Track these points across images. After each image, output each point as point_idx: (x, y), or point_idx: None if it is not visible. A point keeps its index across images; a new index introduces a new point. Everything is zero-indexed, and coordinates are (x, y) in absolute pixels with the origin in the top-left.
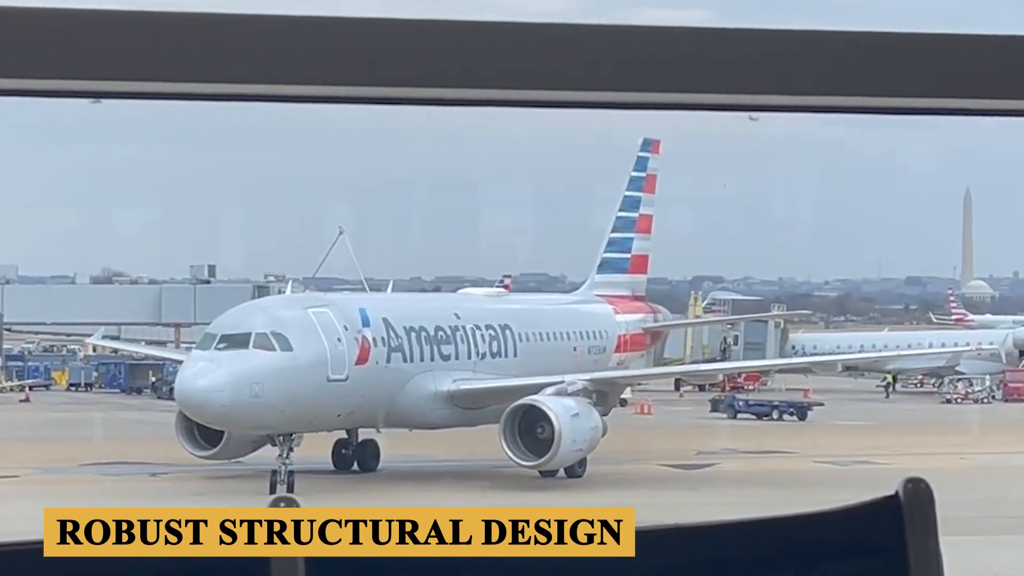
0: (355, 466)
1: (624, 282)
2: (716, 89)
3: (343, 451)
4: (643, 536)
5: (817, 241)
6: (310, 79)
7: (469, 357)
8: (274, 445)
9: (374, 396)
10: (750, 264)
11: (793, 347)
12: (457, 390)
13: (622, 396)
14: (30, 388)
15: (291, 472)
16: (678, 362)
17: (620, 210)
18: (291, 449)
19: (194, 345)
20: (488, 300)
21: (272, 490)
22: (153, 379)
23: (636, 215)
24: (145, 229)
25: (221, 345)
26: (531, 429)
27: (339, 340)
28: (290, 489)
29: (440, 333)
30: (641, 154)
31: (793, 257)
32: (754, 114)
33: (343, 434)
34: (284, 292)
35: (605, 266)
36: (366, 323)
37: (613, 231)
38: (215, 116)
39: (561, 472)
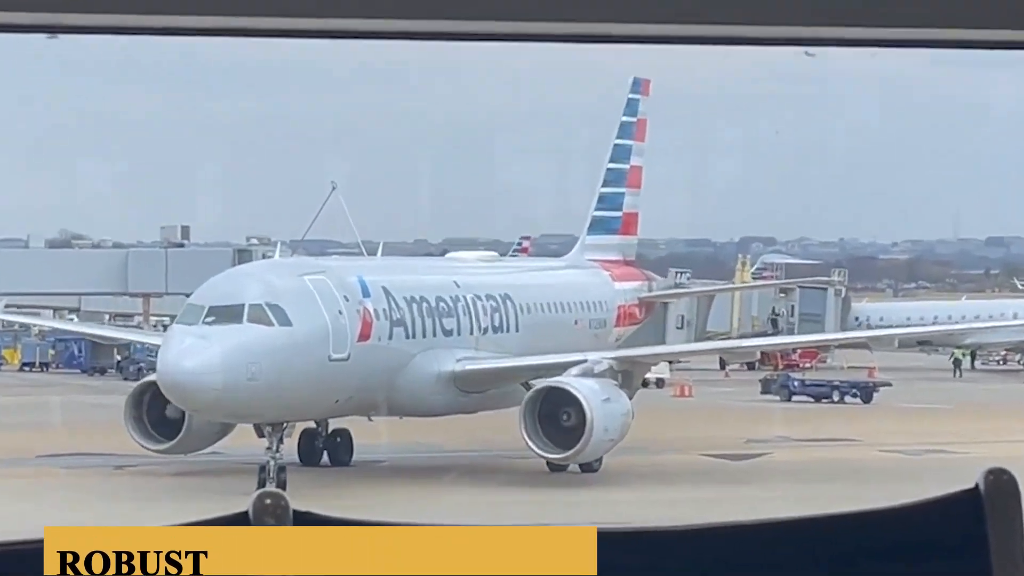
0: (325, 459)
1: (616, 244)
2: (768, 20)
3: (313, 442)
4: (693, 535)
5: (884, 197)
6: (300, 10)
7: (471, 332)
8: (261, 436)
9: (374, 378)
10: (807, 223)
11: (856, 318)
12: (462, 371)
13: (660, 376)
14: None
15: (282, 468)
16: (723, 336)
17: (610, 161)
18: (281, 441)
19: (174, 319)
20: (482, 266)
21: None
22: (119, 358)
23: (627, 167)
24: (109, 184)
25: (209, 319)
26: (554, 415)
27: (340, 313)
28: (281, 488)
29: (442, 304)
30: (631, 96)
31: (856, 215)
32: (811, 49)
33: (309, 423)
34: (270, 257)
35: (596, 226)
36: (366, 293)
37: (604, 185)
38: (191, 54)
39: (573, 465)
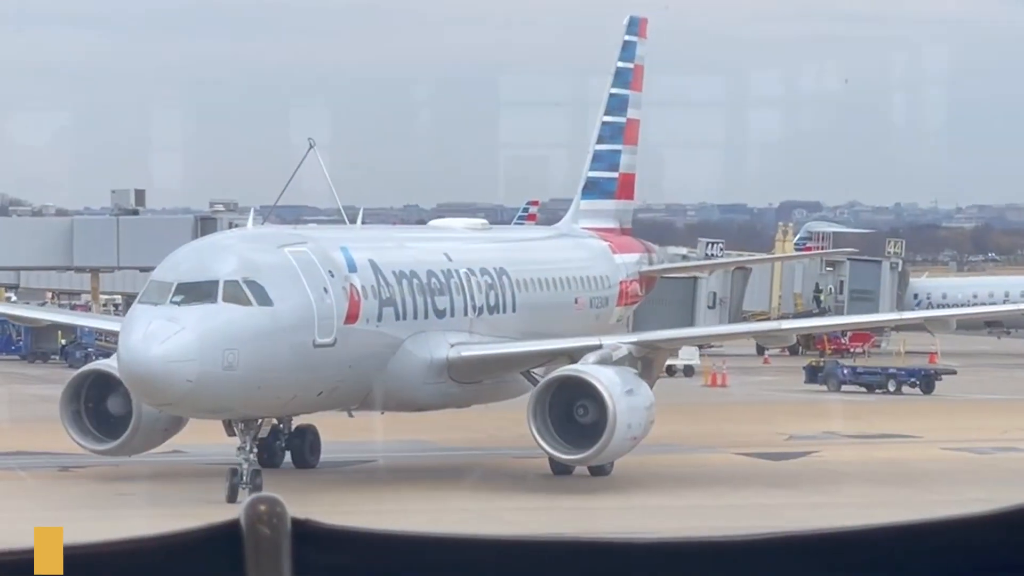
0: (286, 459)
1: (612, 210)
2: None
3: (274, 441)
4: (737, 547)
5: (948, 154)
6: None
7: (465, 313)
8: (231, 435)
9: (361, 366)
10: (858, 185)
11: (915, 296)
12: (457, 358)
13: (689, 363)
14: None
15: (257, 472)
16: (761, 317)
17: (606, 114)
18: (255, 439)
19: (132, 299)
20: (473, 235)
21: (232, 496)
22: (64, 342)
23: (624, 120)
24: (53, 142)
25: (177, 298)
26: (566, 410)
27: (325, 291)
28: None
29: (433, 281)
30: (627, 38)
31: (915, 176)
32: None
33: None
34: (239, 226)
35: (591, 189)
36: (352, 267)
37: (599, 142)
38: None
39: (579, 467)
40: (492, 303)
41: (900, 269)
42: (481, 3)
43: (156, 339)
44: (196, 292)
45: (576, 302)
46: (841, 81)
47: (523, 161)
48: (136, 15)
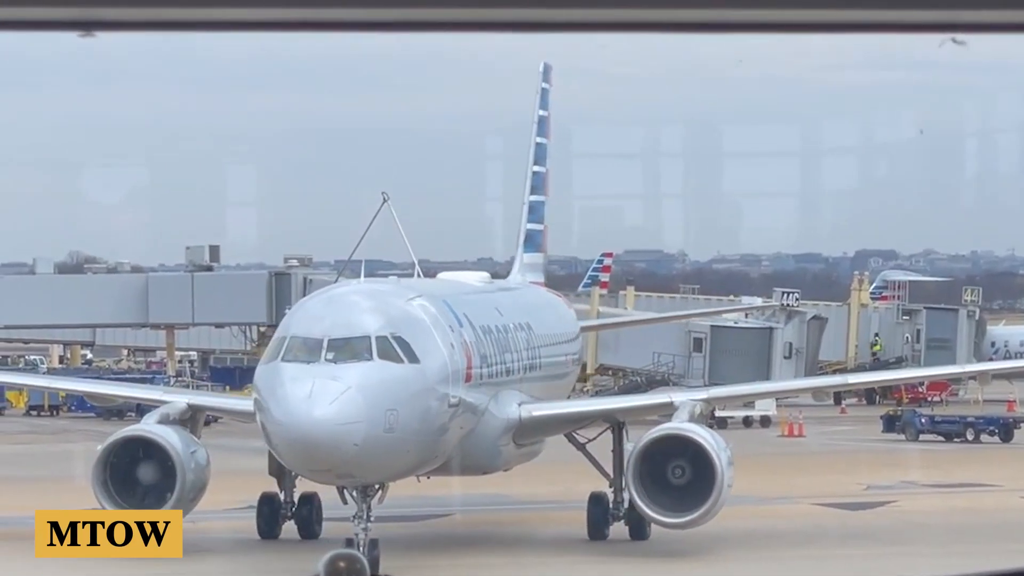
0: (278, 530)
1: (542, 263)
2: (911, 4)
3: (276, 510)
4: None
5: None
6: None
7: (519, 371)
8: (345, 502)
9: (464, 428)
10: (934, 233)
11: (992, 344)
12: (529, 418)
13: (765, 414)
14: None
15: (375, 542)
16: (838, 367)
17: (535, 164)
18: (370, 507)
19: (272, 354)
20: (496, 288)
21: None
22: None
23: (545, 170)
24: (127, 198)
25: (330, 354)
26: (657, 470)
27: (452, 346)
28: (375, 568)
29: (501, 337)
30: (544, 85)
31: (992, 223)
32: (959, 36)
33: (262, 481)
34: (312, 281)
35: (529, 242)
36: (459, 322)
37: (532, 192)
38: (217, 51)
39: (616, 528)
40: (533, 359)
41: (977, 317)
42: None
43: (322, 400)
44: (349, 349)
45: (565, 358)
46: (916, 130)
47: (595, 213)
48: (209, 71)
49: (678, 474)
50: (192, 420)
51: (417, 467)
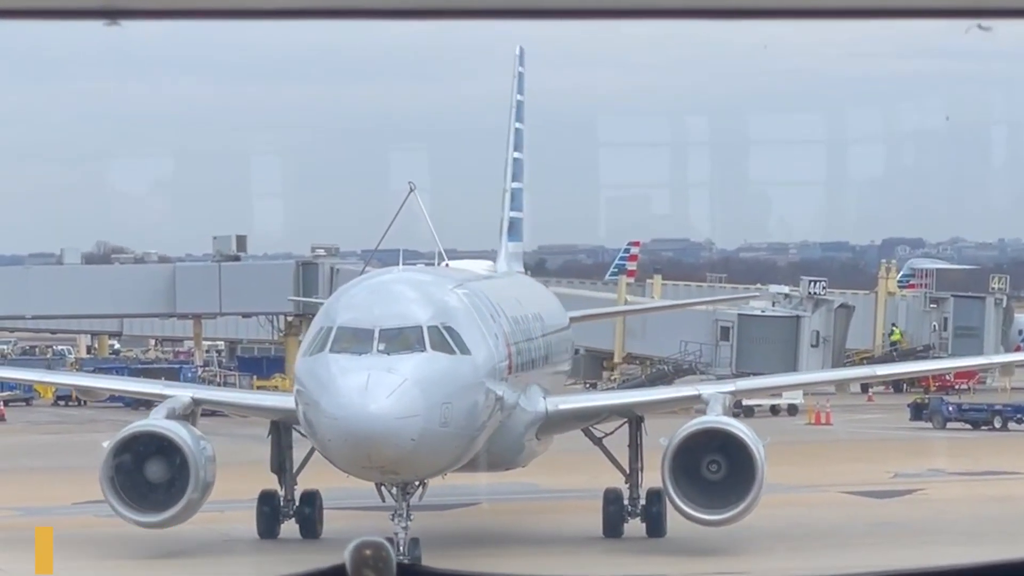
0: (278, 529)
1: (521, 253)
2: None
3: (275, 509)
4: None
5: None
6: None
7: (540, 363)
8: (383, 500)
9: (499, 421)
10: (961, 221)
11: (1020, 332)
12: (555, 412)
13: (792, 402)
14: (5, 403)
15: (415, 541)
16: (865, 355)
17: (515, 150)
18: (409, 505)
19: (318, 345)
20: (503, 277)
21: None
22: None
23: (523, 156)
24: (154, 188)
25: (382, 345)
26: (694, 466)
27: (496, 336)
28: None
29: (526, 328)
30: (520, 69)
31: (1019, 211)
32: (985, 21)
33: (258, 478)
34: (338, 271)
35: (512, 230)
36: (496, 311)
37: (513, 179)
38: (243, 41)
39: (632, 526)
40: (546, 352)
41: (1005, 305)
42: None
43: (378, 393)
44: (401, 340)
45: (568, 348)
46: (942, 118)
47: (622, 202)
48: (236, 60)
49: (713, 469)
50: (192, 414)
51: (456, 463)
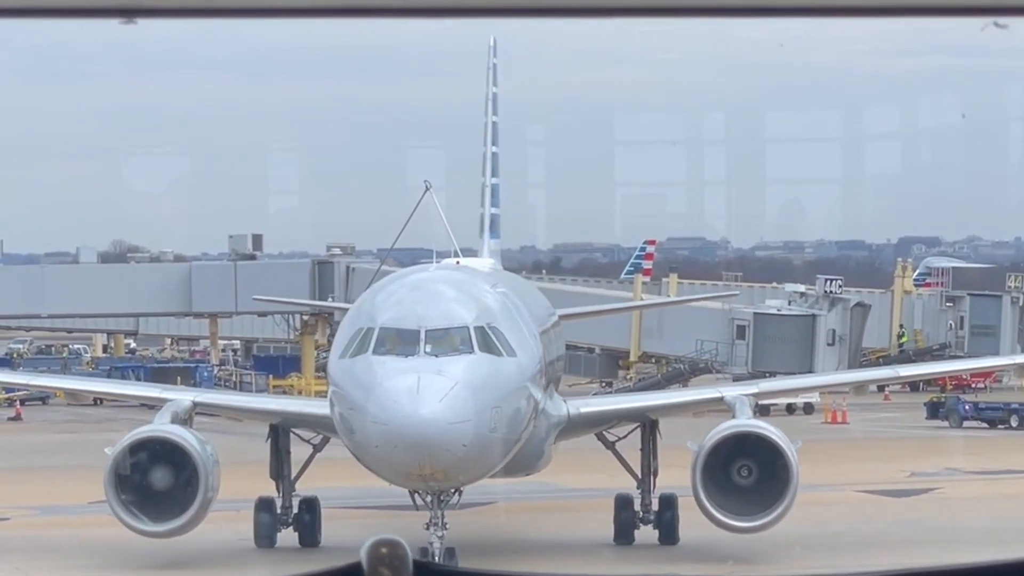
0: (275, 538)
1: (499, 251)
2: None
3: (273, 517)
4: None
5: None
6: None
7: (556, 364)
8: (417, 507)
9: (535, 426)
10: (978, 220)
11: None
12: (577, 415)
13: (808, 400)
14: (21, 402)
15: (451, 551)
16: (881, 354)
17: (493, 144)
18: (444, 514)
19: (358, 347)
20: (511, 275)
21: None
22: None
23: (498, 150)
24: (170, 187)
25: (428, 347)
26: (724, 471)
27: (534, 337)
28: None
29: (543, 325)
30: (494, 61)
31: None
32: (1002, 19)
33: (256, 484)
34: (354, 269)
35: (492, 227)
36: (528, 312)
37: (492, 175)
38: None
39: (644, 533)
40: (558, 352)
41: (1021, 303)
42: (595, 41)
43: (430, 397)
44: (448, 341)
45: (564, 347)
46: (958, 116)
47: (638, 200)
48: (252, 59)
49: (744, 474)
50: (191, 418)
51: (493, 470)
